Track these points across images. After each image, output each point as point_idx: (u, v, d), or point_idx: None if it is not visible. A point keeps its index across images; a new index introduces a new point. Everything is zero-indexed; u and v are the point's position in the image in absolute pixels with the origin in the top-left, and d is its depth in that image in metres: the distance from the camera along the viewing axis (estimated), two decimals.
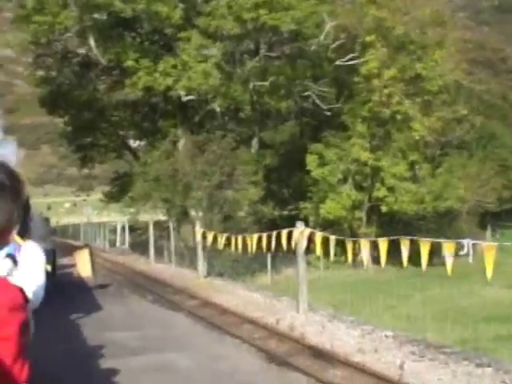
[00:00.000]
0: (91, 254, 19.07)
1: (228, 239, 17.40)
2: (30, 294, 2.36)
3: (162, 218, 33.85)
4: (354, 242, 12.79)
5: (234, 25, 29.81)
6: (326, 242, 12.98)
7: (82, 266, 18.47)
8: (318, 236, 12.88)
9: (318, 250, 13.07)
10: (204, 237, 19.89)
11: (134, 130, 41.55)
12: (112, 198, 43.70)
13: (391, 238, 11.74)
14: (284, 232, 13.80)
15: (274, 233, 14.38)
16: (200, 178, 28.83)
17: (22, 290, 2.06)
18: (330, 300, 17.28)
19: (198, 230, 20.41)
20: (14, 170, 2.19)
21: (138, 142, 42.92)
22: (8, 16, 40.24)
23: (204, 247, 20.92)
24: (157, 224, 31.99)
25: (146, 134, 39.81)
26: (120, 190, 41.51)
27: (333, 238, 12.71)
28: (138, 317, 14.08)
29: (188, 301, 16.60)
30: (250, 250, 15.82)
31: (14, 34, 33.75)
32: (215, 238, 18.44)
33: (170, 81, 29.79)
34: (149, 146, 36.72)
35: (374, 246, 12.90)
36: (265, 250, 15.40)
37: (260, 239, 15.09)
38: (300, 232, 12.98)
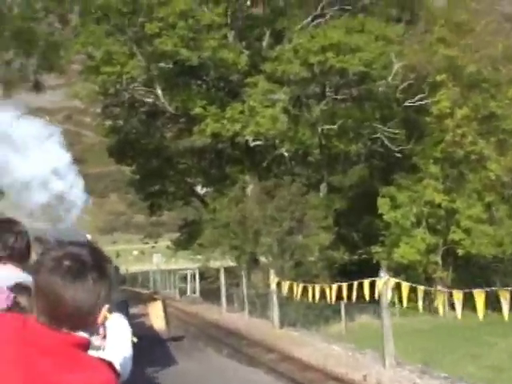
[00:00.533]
0: (164, 306, 18.69)
1: (305, 288, 16.79)
2: (118, 367, 2.33)
3: (231, 263, 33.42)
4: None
5: (301, 69, 29.56)
6: (398, 288, 12.43)
7: (156, 318, 18.10)
8: (404, 286, 12.17)
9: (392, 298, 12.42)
10: (278, 286, 19.28)
11: (202, 177, 41.51)
12: (180, 245, 43.60)
13: (466, 290, 11.10)
14: (366, 282, 13.15)
15: (355, 283, 13.74)
16: (270, 223, 28.38)
17: (112, 365, 2.07)
18: (411, 350, 16.43)
19: (273, 279, 19.82)
20: (99, 248, 2.14)
21: (205, 189, 42.84)
22: (76, 68, 40.79)
23: (279, 297, 20.29)
24: (226, 271, 31.59)
25: (214, 181, 39.68)
26: (188, 237, 41.37)
27: (406, 285, 12.06)
28: (216, 374, 13.52)
29: (266, 354, 15.98)
30: (328, 299, 15.17)
31: (82, 85, 34.18)
32: (291, 287, 17.82)
33: (237, 127, 29.63)
34: (216, 193, 36.53)
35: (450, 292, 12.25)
36: (345, 299, 14.75)
37: (340, 289, 14.45)
38: (384, 282, 12.31)
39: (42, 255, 2.09)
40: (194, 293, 37.58)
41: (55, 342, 1.95)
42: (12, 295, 2.83)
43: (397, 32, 32.22)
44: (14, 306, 2.80)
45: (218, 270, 31.19)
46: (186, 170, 41.05)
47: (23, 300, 2.83)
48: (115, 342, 2.72)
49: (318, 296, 15.65)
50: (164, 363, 14.61)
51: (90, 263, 2.01)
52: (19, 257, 3.67)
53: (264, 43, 34.24)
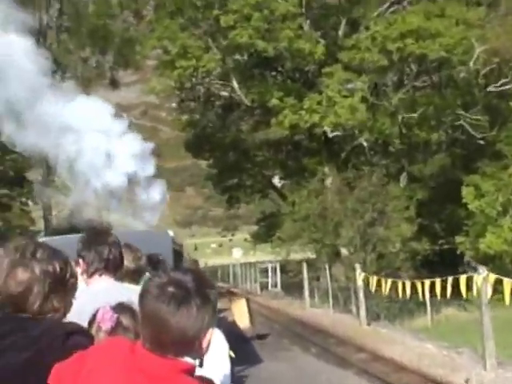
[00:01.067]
0: (248, 304, 18.37)
1: (394, 284, 16.19)
2: None
3: (311, 256, 32.94)
4: None
5: (379, 56, 28.77)
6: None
7: (240, 316, 17.78)
8: (506, 282, 11.47)
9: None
10: (365, 281, 18.69)
11: (279, 169, 41.22)
12: (259, 238, 43.53)
13: None
14: (463, 278, 12.50)
15: (450, 279, 13.10)
16: (351, 215, 27.80)
17: (211, 383, 2.15)
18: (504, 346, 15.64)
19: (359, 274, 19.23)
20: (202, 273, 2.21)
21: (282, 181, 42.59)
22: (151, 64, 40.94)
23: (365, 292, 19.69)
24: (306, 264, 31.18)
25: (291, 173, 39.37)
26: (267, 230, 41.26)
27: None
28: (308, 376, 13.08)
29: (355, 354, 15.45)
30: (421, 296, 14.56)
31: (158, 80, 34.21)
32: (378, 283, 17.21)
33: (316, 118, 29.07)
34: (295, 185, 36.17)
35: None
36: (438, 296, 14.10)
37: (433, 285, 13.80)
38: (483, 278, 11.65)
39: (146, 282, 2.15)
40: (276, 287, 37.24)
41: (163, 368, 2.00)
42: (115, 315, 2.82)
43: (478, 15, 30.99)
44: (117, 326, 2.81)
45: (299, 264, 30.78)
46: (263, 163, 40.78)
47: (126, 320, 2.84)
48: (214, 358, 2.66)
49: (408, 292, 15.06)
50: (251, 363, 14.27)
51: (194, 289, 2.04)
52: (114, 267, 3.78)
53: (340, 32, 33.58)
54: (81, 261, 3.74)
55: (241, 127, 40.48)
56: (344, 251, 29.54)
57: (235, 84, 32.56)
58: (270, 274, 38.75)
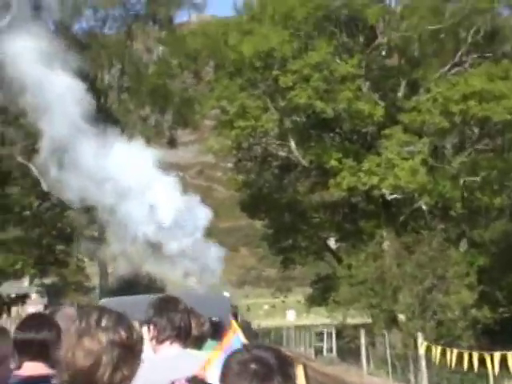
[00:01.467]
0: (306, 372, 17.66)
1: (460, 356, 15.36)
2: None
3: (367, 321, 32.08)
4: None
5: (441, 119, 28.31)
6: None
7: None
8: None
9: None
10: (428, 350, 17.80)
11: (335, 232, 40.67)
12: (313, 301, 42.73)
13: None
14: None
15: None
16: (410, 281, 27.06)
17: None
18: None
19: (421, 343, 18.37)
20: (282, 351, 2.18)
21: (338, 244, 42.03)
22: (209, 124, 41.26)
23: (428, 363, 18.80)
24: (359, 328, 30.38)
25: (347, 235, 38.79)
26: (321, 292, 40.56)
27: None
28: None
29: None
30: (490, 370, 13.77)
31: (215, 139, 34.32)
32: (443, 353, 16.35)
33: (375, 180, 28.62)
34: (351, 248, 35.60)
35: None
36: (497, 368, 13.26)
37: (504, 358, 13.01)
38: None
39: (228, 358, 2.15)
40: (331, 352, 36.28)
41: None
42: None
43: None
44: None
45: (355, 328, 29.91)
46: (319, 225, 40.30)
47: None
48: None
49: (476, 364, 14.26)
50: None
51: (276, 367, 2.05)
52: (184, 335, 3.76)
53: (399, 94, 33.32)
54: (151, 327, 3.72)
55: (297, 188, 40.22)
56: (401, 317, 28.71)
57: (293, 144, 32.41)
58: (325, 338, 37.83)
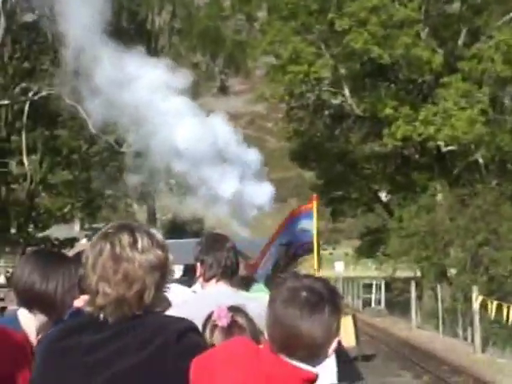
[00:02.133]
0: (355, 321, 17.20)
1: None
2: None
3: (416, 274, 31.47)
4: None
5: (503, 67, 27.03)
6: None
7: (345, 334, 16.61)
8: None
9: None
10: (483, 305, 17.05)
11: (386, 184, 39.80)
12: (362, 253, 42.20)
13: None
14: None
15: None
16: (463, 235, 26.25)
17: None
18: None
19: (476, 297, 17.62)
20: (333, 285, 2.21)
21: (389, 196, 41.25)
22: (260, 73, 40.50)
23: (481, 318, 18.08)
24: (408, 281, 29.82)
25: (399, 188, 37.87)
26: (371, 245, 39.99)
27: None
28: None
29: None
30: None
31: (268, 85, 33.45)
32: (499, 308, 15.59)
33: (431, 130, 27.61)
34: (402, 200, 34.80)
35: None
36: None
37: None
38: None
39: (277, 285, 2.16)
40: (379, 304, 35.83)
41: (287, 375, 2.01)
42: (230, 314, 2.81)
43: None
44: (233, 325, 2.80)
45: (404, 281, 29.34)
46: (370, 176, 39.42)
47: (241, 319, 2.84)
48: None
49: None
50: None
51: (327, 296, 2.07)
52: (230, 274, 3.82)
53: (460, 41, 32.04)
54: (199, 264, 3.82)
55: (349, 138, 39.33)
56: (452, 271, 28.04)
57: (347, 92, 31.53)
58: (373, 290, 37.35)
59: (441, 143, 29.78)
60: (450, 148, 30.34)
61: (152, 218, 38.29)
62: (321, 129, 39.37)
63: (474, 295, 17.95)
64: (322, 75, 30.39)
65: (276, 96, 33.42)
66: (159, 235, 2.39)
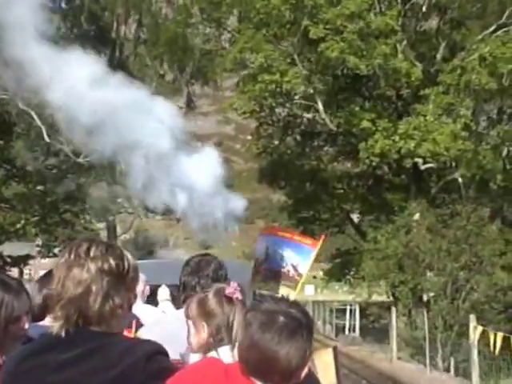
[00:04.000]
0: (336, 355, 15.29)
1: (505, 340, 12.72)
2: None
3: (388, 299, 29.93)
4: None
5: (489, 79, 25.54)
6: None
7: (324, 371, 14.63)
8: None
9: None
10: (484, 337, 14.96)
11: (358, 204, 38.42)
12: (333, 276, 40.73)
13: None
14: None
15: None
16: (443, 257, 24.75)
17: None
18: None
19: (474, 328, 15.54)
20: (306, 310, 2.25)
21: (360, 217, 40.10)
22: (229, 95, 39.08)
23: (479, 351, 16.02)
24: (383, 307, 28.33)
25: (372, 208, 36.57)
26: (341, 267, 38.56)
27: None
28: None
29: None
30: None
31: (237, 96, 31.72)
32: (504, 341, 13.52)
33: (411, 144, 25.97)
34: (374, 221, 33.51)
35: None
36: None
37: None
38: None
39: (253, 307, 2.25)
40: (354, 331, 34.07)
41: None
42: (239, 288, 2.90)
43: None
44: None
45: (380, 307, 27.68)
46: (341, 196, 38.00)
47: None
48: None
49: None
50: None
51: (304, 322, 2.13)
52: None
53: (438, 56, 30.88)
54: (181, 287, 3.90)
55: (321, 156, 37.88)
56: (429, 296, 26.53)
57: (320, 106, 29.88)
58: (347, 316, 35.60)
59: (419, 160, 28.33)
60: (428, 165, 28.92)
61: (112, 235, 36.28)
62: (291, 146, 37.93)
63: (472, 325, 15.79)
64: (295, 87, 28.69)
65: (246, 109, 31.60)
66: (123, 251, 2.42)
